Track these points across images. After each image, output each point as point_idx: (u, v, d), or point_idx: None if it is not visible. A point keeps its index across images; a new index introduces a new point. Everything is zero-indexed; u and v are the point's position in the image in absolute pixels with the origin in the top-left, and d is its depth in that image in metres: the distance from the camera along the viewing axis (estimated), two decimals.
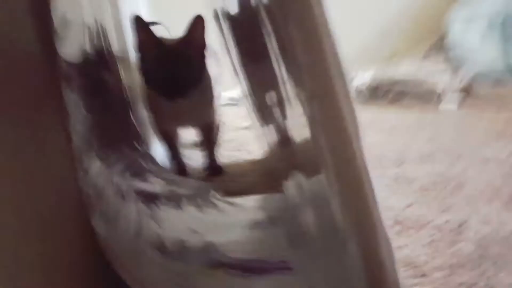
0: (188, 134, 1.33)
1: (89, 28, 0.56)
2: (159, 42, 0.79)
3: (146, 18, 0.78)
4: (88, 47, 0.56)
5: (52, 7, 0.39)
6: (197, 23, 0.79)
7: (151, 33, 0.77)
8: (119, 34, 0.82)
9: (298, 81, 0.30)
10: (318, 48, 0.24)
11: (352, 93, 1.20)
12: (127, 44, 0.91)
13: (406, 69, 2.05)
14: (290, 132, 0.42)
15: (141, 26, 0.76)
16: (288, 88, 0.35)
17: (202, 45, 0.83)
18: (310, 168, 0.38)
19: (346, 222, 0.29)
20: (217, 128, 1.09)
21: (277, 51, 0.33)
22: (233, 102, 2.24)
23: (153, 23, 1.83)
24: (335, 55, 0.24)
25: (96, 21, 0.62)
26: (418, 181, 0.82)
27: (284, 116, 0.42)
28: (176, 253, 0.57)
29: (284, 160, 0.62)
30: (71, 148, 0.44)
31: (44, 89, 0.40)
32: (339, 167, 0.27)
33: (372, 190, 0.26)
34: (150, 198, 0.71)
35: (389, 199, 0.75)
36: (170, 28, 1.00)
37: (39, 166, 0.37)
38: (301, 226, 0.57)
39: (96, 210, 0.47)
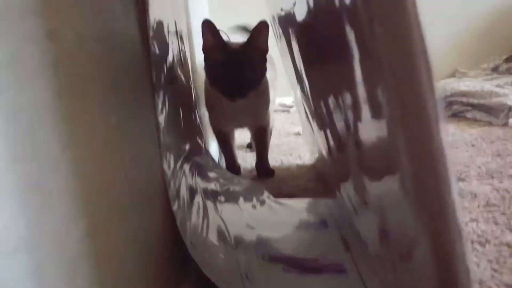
0: (242, 136, 1.37)
1: (171, 31, 0.61)
2: (225, 45, 0.83)
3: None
4: (171, 48, 0.61)
5: (148, 14, 0.45)
6: (262, 28, 0.82)
7: (218, 36, 0.81)
8: (189, 37, 0.88)
9: (378, 82, 0.30)
10: (407, 49, 0.24)
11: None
12: (194, 47, 0.96)
13: (473, 81, 1.93)
14: (360, 135, 0.42)
15: (210, 29, 0.80)
16: (359, 91, 0.35)
17: (265, 50, 0.86)
18: (378, 171, 0.38)
19: (419, 226, 0.29)
20: (270, 132, 1.11)
21: (357, 52, 0.33)
22: (285, 108, 2.26)
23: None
24: (425, 55, 0.24)
25: (175, 25, 0.67)
26: (484, 196, 0.77)
27: (357, 117, 0.42)
28: (236, 245, 0.60)
29: (343, 164, 0.62)
30: (159, 138, 0.49)
31: (143, 80, 0.46)
32: (417, 167, 0.27)
33: (451, 192, 0.24)
34: (213, 195, 0.75)
35: None
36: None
37: (136, 147, 0.41)
38: (359, 231, 0.57)
39: (174, 199, 0.51)
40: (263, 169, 1.09)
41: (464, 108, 1.64)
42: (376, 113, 0.32)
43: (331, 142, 0.69)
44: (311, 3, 0.49)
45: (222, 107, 0.91)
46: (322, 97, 0.61)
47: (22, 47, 0.22)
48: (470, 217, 0.69)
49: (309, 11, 0.49)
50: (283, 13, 0.73)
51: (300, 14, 0.56)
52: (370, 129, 0.35)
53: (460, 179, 0.89)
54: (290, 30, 0.80)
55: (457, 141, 1.23)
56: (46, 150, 0.23)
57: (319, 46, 0.52)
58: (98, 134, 0.31)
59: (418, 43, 0.24)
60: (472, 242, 0.61)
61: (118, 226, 0.34)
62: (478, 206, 0.73)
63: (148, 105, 0.47)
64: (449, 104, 1.73)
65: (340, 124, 0.54)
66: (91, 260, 0.28)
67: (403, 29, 0.24)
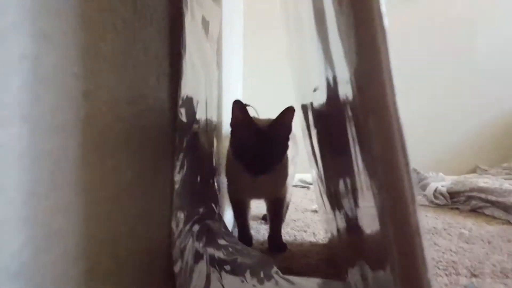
0: (259, 208, 1.39)
1: (201, 102, 0.69)
2: (253, 123, 0.90)
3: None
4: (198, 115, 0.68)
5: (180, 87, 0.53)
6: (289, 112, 0.90)
7: (247, 114, 0.89)
8: (218, 110, 0.97)
9: (371, 172, 0.33)
10: (390, 144, 0.27)
11: (430, 196, 1.19)
12: (222, 118, 1.05)
13: (493, 179, 1.93)
14: (359, 221, 0.44)
15: (240, 108, 0.89)
16: (362, 178, 0.38)
17: (288, 130, 0.92)
18: (376, 261, 0.39)
19: None
20: (287, 206, 1.13)
21: (356, 142, 0.37)
22: (305, 185, 2.29)
23: (246, 105, 2.06)
24: (404, 149, 0.28)
25: (206, 99, 0.76)
26: None
27: (356, 204, 0.45)
28: None
29: (350, 248, 0.63)
30: (172, 197, 0.53)
31: (165, 142, 0.52)
32: (402, 262, 0.28)
33: (427, 271, 0.26)
34: (219, 263, 0.76)
35: None
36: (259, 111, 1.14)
37: (148, 203, 0.45)
38: None
39: (177, 260, 0.53)
40: (276, 243, 1.08)
41: (483, 204, 1.62)
42: (371, 204, 0.34)
43: (340, 224, 0.71)
44: (325, 95, 0.55)
45: (241, 178, 0.96)
46: (332, 180, 0.64)
47: (61, 103, 0.26)
48: None
49: (326, 102, 0.55)
50: (309, 102, 0.80)
51: (319, 104, 0.63)
52: (368, 219, 0.38)
53: (473, 275, 0.86)
54: (309, 116, 0.87)
55: (473, 237, 1.20)
56: (61, 190, 0.26)
57: (330, 134, 0.57)
58: (112, 185, 0.34)
59: (398, 137, 0.27)
60: None
61: (118, 277, 0.36)
62: None
63: (167, 166, 0.51)
64: (468, 198, 1.72)
65: (347, 207, 0.56)
66: None
67: (386, 123, 0.28)
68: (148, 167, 0.45)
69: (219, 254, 0.80)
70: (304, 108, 0.82)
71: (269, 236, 1.10)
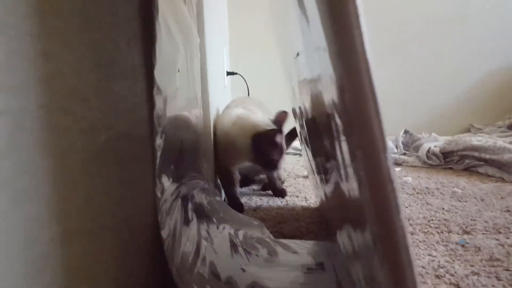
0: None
1: (181, 71, 0.66)
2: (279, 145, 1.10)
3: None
4: (178, 84, 0.66)
5: (155, 52, 0.50)
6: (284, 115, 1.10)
7: (275, 143, 1.09)
8: (203, 79, 0.93)
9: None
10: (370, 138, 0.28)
11: (423, 156, 1.22)
12: (207, 87, 1.02)
13: (486, 137, 1.93)
14: (342, 184, 0.45)
15: (271, 143, 1.08)
16: (340, 160, 0.41)
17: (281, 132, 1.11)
18: (357, 220, 0.40)
19: (384, 279, 0.29)
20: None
21: (338, 138, 0.39)
22: (297, 152, 2.28)
23: (233, 73, 2.03)
24: (384, 145, 0.27)
25: (187, 66, 0.73)
26: (488, 251, 0.75)
27: (338, 167, 0.45)
28: (227, 284, 0.60)
29: (337, 211, 0.63)
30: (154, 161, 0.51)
31: (146, 107, 0.49)
32: (377, 224, 0.29)
33: (408, 251, 0.26)
34: (209, 222, 0.76)
35: (452, 264, 0.70)
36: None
37: (129, 163, 0.44)
38: (351, 276, 0.56)
39: (165, 224, 0.52)
40: (276, 188, 1.29)
41: (477, 163, 1.63)
42: (350, 177, 0.36)
43: (327, 189, 0.71)
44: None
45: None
46: (316, 143, 0.65)
47: (15, 63, 0.26)
48: (471, 271, 0.67)
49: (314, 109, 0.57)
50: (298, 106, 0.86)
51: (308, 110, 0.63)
52: (349, 187, 0.38)
53: (465, 232, 0.87)
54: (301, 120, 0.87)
55: (466, 195, 1.21)
56: (23, 151, 0.26)
57: (317, 127, 0.59)
58: (83, 149, 0.34)
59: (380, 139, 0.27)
60: None
61: (100, 238, 0.36)
62: (481, 260, 0.71)
63: (145, 131, 0.50)
64: (462, 158, 1.72)
65: (330, 171, 0.56)
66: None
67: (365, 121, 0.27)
68: (123, 132, 0.43)
69: (209, 214, 0.79)
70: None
71: (268, 185, 1.31)
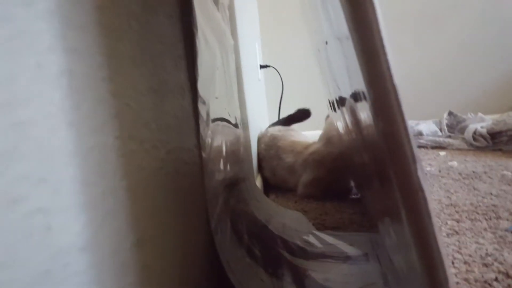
0: None
1: (219, 73, 0.71)
2: None
3: None
4: (217, 91, 0.70)
5: (196, 66, 0.55)
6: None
7: None
8: (238, 77, 0.97)
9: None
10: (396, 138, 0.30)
11: (469, 138, 1.19)
12: (243, 85, 1.06)
13: None
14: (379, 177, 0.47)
15: None
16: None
17: None
18: (395, 216, 0.42)
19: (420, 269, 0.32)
20: None
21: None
22: None
23: (266, 66, 2.06)
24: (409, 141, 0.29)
25: (224, 68, 0.77)
26: None
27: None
28: (272, 276, 0.64)
29: (377, 203, 0.65)
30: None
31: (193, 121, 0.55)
32: (408, 217, 0.31)
33: (437, 242, 0.29)
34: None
35: (501, 252, 0.70)
36: None
37: (185, 183, 0.49)
38: (395, 266, 0.59)
39: (218, 230, 0.57)
40: None
41: None
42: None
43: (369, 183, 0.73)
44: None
45: None
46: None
47: (96, 106, 0.31)
48: None
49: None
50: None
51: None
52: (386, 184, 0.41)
53: None
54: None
55: None
56: (108, 178, 0.31)
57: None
58: (147, 166, 0.39)
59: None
60: None
61: (162, 241, 0.41)
62: None
63: (193, 141, 0.55)
64: (511, 138, 1.64)
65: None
66: (137, 267, 0.35)
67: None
68: (177, 145, 0.48)
69: (255, 215, 0.84)
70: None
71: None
